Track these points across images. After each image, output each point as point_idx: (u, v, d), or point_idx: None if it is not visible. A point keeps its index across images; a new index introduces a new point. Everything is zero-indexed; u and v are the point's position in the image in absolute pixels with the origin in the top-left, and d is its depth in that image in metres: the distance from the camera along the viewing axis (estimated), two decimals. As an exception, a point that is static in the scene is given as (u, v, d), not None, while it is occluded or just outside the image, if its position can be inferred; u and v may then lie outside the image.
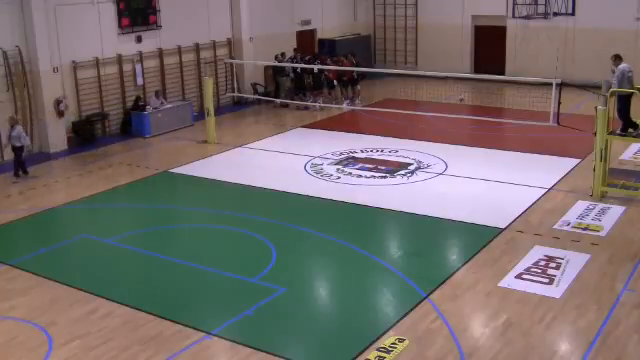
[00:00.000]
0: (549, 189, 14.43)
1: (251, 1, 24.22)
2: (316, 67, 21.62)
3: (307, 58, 23.75)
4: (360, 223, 13.19)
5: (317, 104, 22.22)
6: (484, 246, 11.69)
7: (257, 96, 23.38)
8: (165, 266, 11.44)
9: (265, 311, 9.75)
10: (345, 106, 22.80)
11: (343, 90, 23.70)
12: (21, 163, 16.55)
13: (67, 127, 18.99)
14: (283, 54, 24.16)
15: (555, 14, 25.30)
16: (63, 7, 18.69)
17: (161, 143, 19.56)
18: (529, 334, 8.92)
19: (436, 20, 28.21)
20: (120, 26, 20.25)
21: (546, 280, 10.38)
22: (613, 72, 13.44)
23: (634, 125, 13.70)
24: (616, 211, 13.06)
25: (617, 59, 13.47)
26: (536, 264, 10.91)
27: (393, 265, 11.20)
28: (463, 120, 19.54)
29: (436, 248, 12.12)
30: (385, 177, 15.67)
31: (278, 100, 23.06)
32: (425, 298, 9.94)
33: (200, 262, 11.40)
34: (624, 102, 13.57)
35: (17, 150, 16.40)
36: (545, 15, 25.53)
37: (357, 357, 8.51)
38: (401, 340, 8.82)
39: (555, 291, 10.02)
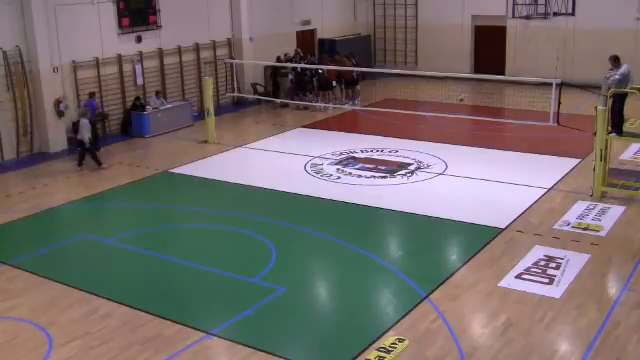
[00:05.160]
0: (549, 189, 14.44)
1: (251, 1, 24.22)
2: (319, 67, 21.60)
3: (313, 60, 23.74)
4: (360, 223, 13.19)
5: (318, 104, 22.20)
6: (484, 246, 11.69)
7: (257, 96, 23.38)
8: (165, 266, 11.44)
9: (265, 311, 9.75)
10: (346, 106, 22.79)
11: (343, 90, 23.70)
12: (94, 153, 17.08)
13: (67, 127, 19.00)
14: (286, 54, 24.20)
15: (555, 14, 25.33)
16: (63, 7, 18.68)
17: (161, 143, 19.56)
18: (529, 334, 8.92)
19: (436, 20, 28.22)
20: (120, 26, 20.24)
21: (546, 280, 10.38)
22: (611, 70, 13.37)
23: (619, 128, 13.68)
24: (616, 211, 13.07)
25: (616, 61, 13.42)
26: (536, 264, 10.91)
27: (393, 265, 11.20)
28: (463, 120, 19.54)
29: (436, 248, 12.12)
30: (385, 177, 15.67)
31: (278, 100, 23.06)
32: (425, 298, 9.94)
33: (200, 262, 11.40)
34: (619, 102, 13.55)
35: (80, 142, 16.88)
36: (545, 15, 25.55)
37: (357, 357, 8.51)
38: (401, 340, 8.82)
39: (555, 291, 10.02)
